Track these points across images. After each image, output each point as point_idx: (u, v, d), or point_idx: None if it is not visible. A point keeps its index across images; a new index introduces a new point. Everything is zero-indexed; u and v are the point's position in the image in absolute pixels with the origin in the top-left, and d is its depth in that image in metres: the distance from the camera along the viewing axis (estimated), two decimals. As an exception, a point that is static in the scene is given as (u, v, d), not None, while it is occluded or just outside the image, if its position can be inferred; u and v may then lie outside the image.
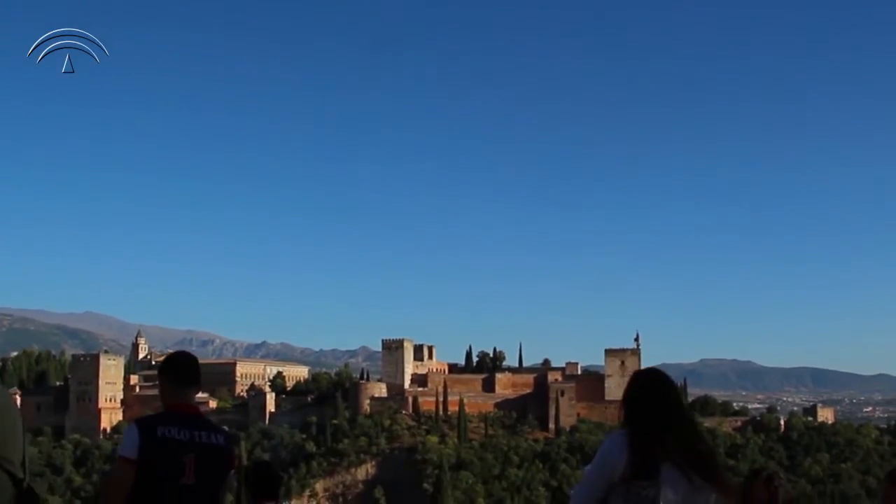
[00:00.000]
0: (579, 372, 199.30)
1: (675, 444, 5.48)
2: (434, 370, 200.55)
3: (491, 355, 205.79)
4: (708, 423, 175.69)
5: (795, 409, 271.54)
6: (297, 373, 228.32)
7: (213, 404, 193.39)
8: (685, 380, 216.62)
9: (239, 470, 7.89)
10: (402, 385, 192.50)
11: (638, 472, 5.38)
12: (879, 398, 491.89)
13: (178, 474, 6.20)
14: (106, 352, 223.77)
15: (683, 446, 5.49)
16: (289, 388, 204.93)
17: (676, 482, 5.42)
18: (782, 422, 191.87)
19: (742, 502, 6.46)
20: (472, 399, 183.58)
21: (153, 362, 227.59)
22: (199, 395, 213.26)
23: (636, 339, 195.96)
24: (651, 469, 5.39)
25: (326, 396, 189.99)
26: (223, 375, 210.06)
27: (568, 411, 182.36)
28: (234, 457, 6.62)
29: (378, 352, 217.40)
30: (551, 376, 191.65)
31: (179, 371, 6.70)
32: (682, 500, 5.44)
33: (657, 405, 5.61)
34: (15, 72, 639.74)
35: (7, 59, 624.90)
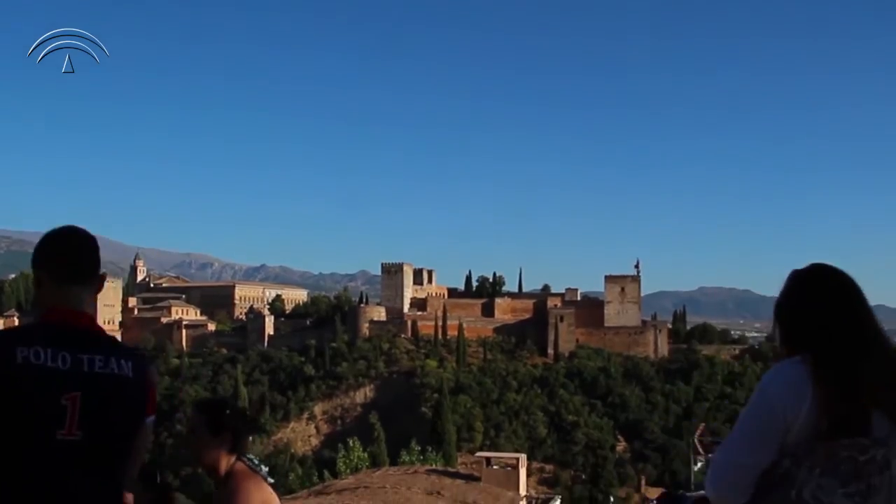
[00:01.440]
0: (579, 298, 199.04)
1: (883, 381, 3.07)
2: (433, 294, 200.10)
3: (490, 280, 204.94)
4: (706, 350, 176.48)
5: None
6: (295, 296, 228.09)
7: (211, 327, 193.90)
8: (684, 307, 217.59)
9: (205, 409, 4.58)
10: (402, 309, 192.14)
11: (842, 425, 3.01)
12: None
13: (53, 424, 3.32)
14: (104, 274, 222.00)
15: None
16: (287, 312, 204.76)
17: (892, 441, 3.06)
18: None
19: None
20: (471, 324, 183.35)
21: (151, 285, 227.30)
22: (197, 317, 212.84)
23: (636, 266, 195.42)
24: (862, 420, 3.03)
25: (325, 320, 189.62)
26: (222, 298, 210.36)
27: (567, 337, 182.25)
28: (150, 393, 3.64)
29: (377, 276, 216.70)
30: (551, 302, 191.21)
31: (61, 257, 3.69)
32: None
33: (849, 320, 3.17)
34: (15, 72, 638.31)
35: (7, 59, 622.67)
